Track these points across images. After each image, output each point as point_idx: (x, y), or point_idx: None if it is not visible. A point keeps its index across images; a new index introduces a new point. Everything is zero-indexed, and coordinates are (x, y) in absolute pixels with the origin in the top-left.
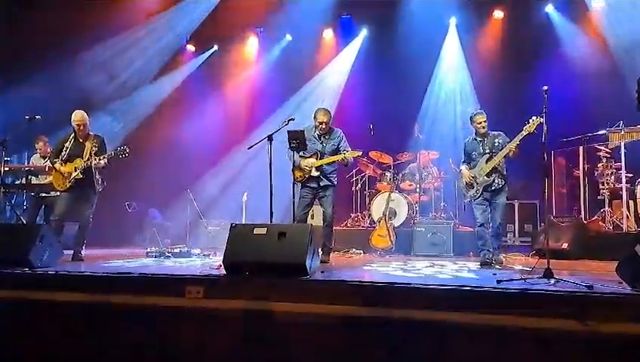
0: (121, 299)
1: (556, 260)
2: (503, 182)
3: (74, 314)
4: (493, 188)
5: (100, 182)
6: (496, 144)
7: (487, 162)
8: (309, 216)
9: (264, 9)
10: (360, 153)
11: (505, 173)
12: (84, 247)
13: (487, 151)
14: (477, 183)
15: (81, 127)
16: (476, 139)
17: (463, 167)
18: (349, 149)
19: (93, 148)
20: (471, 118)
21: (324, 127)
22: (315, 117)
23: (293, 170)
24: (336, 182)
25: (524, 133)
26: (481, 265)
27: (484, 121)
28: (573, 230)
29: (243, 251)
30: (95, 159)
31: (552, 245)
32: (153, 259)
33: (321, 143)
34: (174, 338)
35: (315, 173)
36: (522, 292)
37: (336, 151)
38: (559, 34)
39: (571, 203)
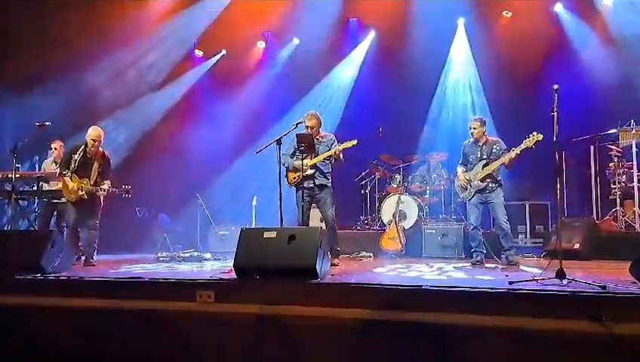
0: (133, 303)
1: (568, 261)
2: (496, 184)
3: (85, 318)
4: (487, 190)
5: (100, 197)
6: (493, 150)
7: (483, 168)
8: (320, 220)
9: (271, 13)
10: (355, 142)
11: (498, 178)
12: (95, 253)
13: (485, 157)
14: (470, 186)
15: (96, 143)
16: (475, 143)
17: (459, 169)
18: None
19: (99, 169)
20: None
21: (311, 131)
22: (303, 121)
23: (286, 174)
24: (331, 183)
25: (522, 146)
26: (472, 264)
27: (474, 128)
28: (584, 230)
29: (253, 255)
30: (99, 188)
31: (563, 245)
32: (164, 263)
33: (315, 145)
34: (185, 343)
35: (309, 172)
36: (535, 293)
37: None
38: (568, 32)
39: (582, 203)
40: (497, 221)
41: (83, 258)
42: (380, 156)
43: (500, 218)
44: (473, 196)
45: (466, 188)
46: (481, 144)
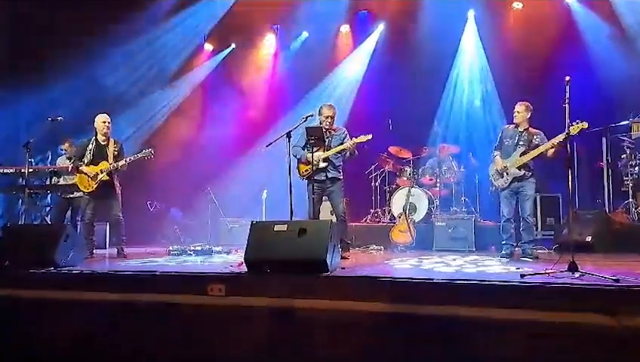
0: (145, 297)
1: (580, 253)
2: (530, 173)
3: (98, 312)
4: (521, 179)
5: (118, 185)
6: (533, 141)
7: (521, 155)
8: (330, 213)
9: (280, 6)
10: (370, 136)
11: (532, 167)
12: (124, 244)
13: (522, 144)
14: (507, 174)
15: (108, 125)
16: (516, 129)
17: (497, 154)
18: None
19: (115, 151)
20: None
21: (330, 121)
22: (320, 113)
23: (297, 166)
24: (342, 176)
25: (565, 134)
26: (501, 257)
27: (518, 112)
28: (596, 222)
29: (264, 248)
30: (121, 161)
31: (575, 238)
32: (175, 257)
33: (327, 138)
34: (197, 336)
35: (322, 165)
36: (546, 287)
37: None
38: (579, 23)
39: (594, 195)
40: (523, 212)
41: (96, 251)
42: (389, 149)
43: (526, 209)
44: (508, 186)
45: (503, 176)
46: (521, 130)
